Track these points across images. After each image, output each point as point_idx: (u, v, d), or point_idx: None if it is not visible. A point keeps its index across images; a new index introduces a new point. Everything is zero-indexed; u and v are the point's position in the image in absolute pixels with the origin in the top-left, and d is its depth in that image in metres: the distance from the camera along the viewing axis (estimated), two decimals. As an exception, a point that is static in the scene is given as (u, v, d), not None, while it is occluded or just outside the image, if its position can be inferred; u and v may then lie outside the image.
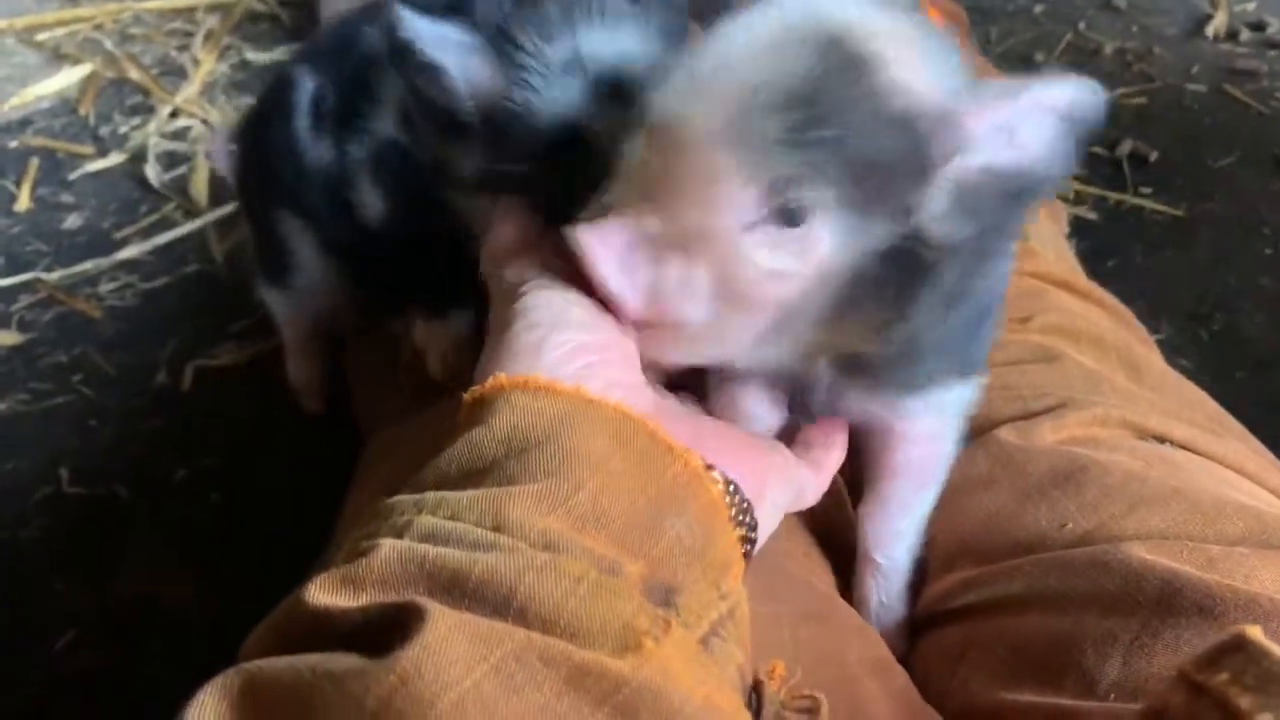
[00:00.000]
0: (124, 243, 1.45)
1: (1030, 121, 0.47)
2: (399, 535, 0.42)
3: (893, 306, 0.51)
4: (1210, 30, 1.63)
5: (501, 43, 0.59)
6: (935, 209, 0.48)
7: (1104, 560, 0.58)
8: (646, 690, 0.37)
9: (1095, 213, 1.37)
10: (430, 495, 0.44)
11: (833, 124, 0.45)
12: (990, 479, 0.66)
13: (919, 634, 0.67)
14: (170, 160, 1.56)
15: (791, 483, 0.57)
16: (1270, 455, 0.73)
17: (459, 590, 0.39)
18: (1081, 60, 1.60)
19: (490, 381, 0.47)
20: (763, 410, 0.61)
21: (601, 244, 0.48)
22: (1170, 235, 1.35)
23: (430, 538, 0.41)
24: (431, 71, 0.59)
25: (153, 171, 1.53)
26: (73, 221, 1.49)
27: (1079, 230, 1.35)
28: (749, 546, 0.51)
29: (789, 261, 0.48)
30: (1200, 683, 0.38)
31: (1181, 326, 1.25)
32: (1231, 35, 1.62)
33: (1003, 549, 0.63)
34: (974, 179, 0.48)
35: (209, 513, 1.16)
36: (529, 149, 0.59)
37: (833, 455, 0.63)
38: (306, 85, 0.80)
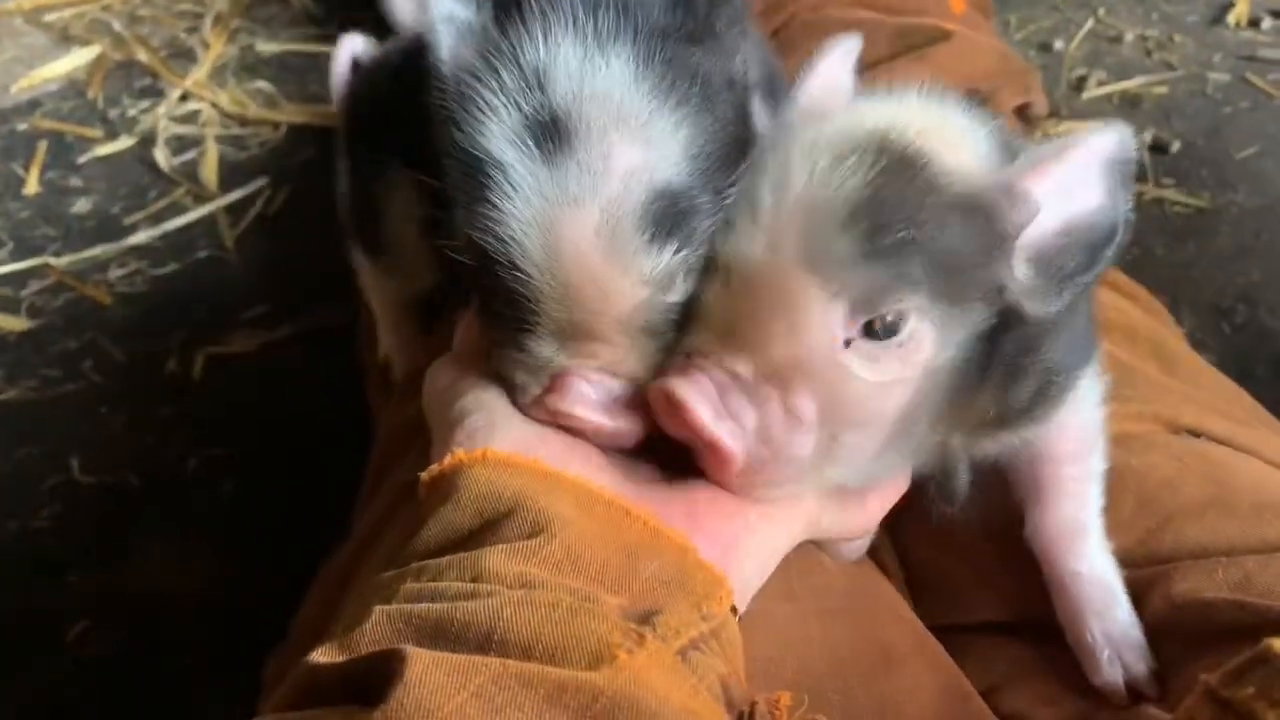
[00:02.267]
0: (133, 228, 1.44)
1: (1083, 175, 0.47)
2: (387, 603, 0.44)
3: (1017, 369, 0.51)
4: (1231, 18, 1.61)
5: None
6: (1023, 282, 0.48)
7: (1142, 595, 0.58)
8: (622, 697, 0.39)
9: (1116, 203, 1.35)
10: (413, 566, 0.46)
11: (901, 226, 0.45)
12: None
13: (964, 640, 0.66)
14: (179, 144, 1.55)
15: (782, 524, 0.53)
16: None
17: (443, 637, 0.41)
18: (1101, 47, 1.58)
19: (449, 459, 0.48)
20: None
21: (698, 394, 0.47)
22: (1192, 227, 1.33)
23: (416, 598, 0.44)
24: None
25: (162, 155, 1.52)
26: (81, 206, 1.48)
27: (1099, 221, 1.33)
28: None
29: (895, 370, 0.47)
30: (1226, 698, 0.38)
31: (1203, 320, 1.23)
32: (1253, 23, 1.60)
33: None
34: (1049, 243, 0.48)
35: (220, 501, 1.15)
36: None
37: (873, 496, 0.57)
38: None
